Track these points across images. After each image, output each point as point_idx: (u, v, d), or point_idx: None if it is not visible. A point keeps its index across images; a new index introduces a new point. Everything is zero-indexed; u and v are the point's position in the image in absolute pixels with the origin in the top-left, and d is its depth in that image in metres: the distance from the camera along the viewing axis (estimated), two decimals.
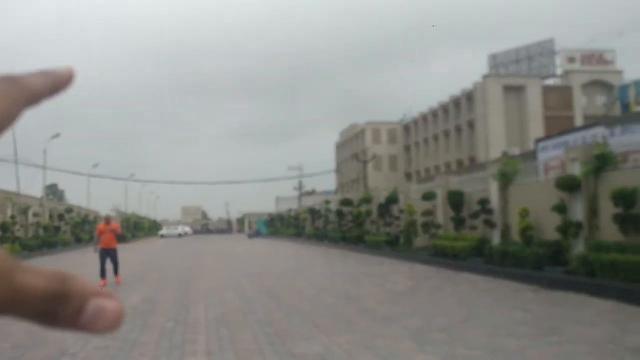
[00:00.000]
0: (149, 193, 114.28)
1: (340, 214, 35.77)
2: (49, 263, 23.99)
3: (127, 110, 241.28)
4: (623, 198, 12.03)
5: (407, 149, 75.06)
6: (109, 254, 14.60)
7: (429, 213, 22.31)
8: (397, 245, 24.87)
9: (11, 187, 36.66)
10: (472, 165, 45.84)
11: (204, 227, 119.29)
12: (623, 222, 12.15)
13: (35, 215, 36.77)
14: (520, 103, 58.08)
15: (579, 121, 53.94)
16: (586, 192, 13.75)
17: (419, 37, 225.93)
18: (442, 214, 22.27)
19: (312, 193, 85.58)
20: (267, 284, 14.43)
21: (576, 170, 14.18)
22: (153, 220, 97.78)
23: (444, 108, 64.62)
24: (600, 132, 17.23)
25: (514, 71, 62.28)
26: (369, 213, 30.77)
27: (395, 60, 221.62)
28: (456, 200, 20.07)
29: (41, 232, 35.70)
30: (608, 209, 12.71)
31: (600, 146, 14.02)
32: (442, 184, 22.89)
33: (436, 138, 66.11)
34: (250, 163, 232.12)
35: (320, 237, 40.98)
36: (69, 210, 43.21)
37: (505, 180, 17.86)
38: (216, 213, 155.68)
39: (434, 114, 66.84)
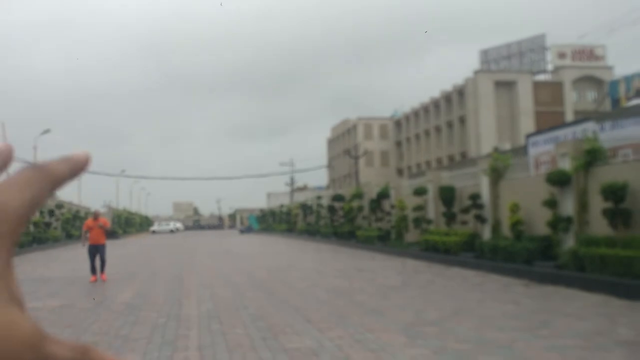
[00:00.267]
0: (140, 189, 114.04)
1: (331, 209, 35.81)
2: (39, 259, 23.87)
3: (118, 107, 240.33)
4: (612, 192, 12.11)
5: (399, 144, 75.21)
6: (97, 250, 14.44)
7: (420, 208, 22.38)
8: (388, 240, 24.95)
9: None
10: (463, 160, 45.94)
11: (196, 223, 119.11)
12: (612, 216, 12.23)
13: None
14: (511, 98, 58.30)
15: (569, 116, 54.24)
16: (576, 187, 13.83)
17: (410, 33, 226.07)
18: (433, 209, 22.34)
19: (304, 188, 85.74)
20: (259, 278, 14.43)
21: (566, 165, 14.26)
22: (144, 216, 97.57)
23: (435, 103, 64.74)
24: (590, 127, 17.28)
25: (505, 66, 62.49)
26: (360, 208, 30.85)
27: (387, 56, 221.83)
28: (447, 195, 20.15)
29: (31, 227, 35.50)
30: (598, 204, 12.80)
31: (590, 141, 14.08)
32: (433, 179, 22.94)
33: (427, 133, 66.25)
34: (242, 159, 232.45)
35: (311, 232, 40.99)
36: (60, 205, 42.90)
37: (496, 175, 17.94)
38: (208, 209, 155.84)
39: (425, 109, 66.95)
